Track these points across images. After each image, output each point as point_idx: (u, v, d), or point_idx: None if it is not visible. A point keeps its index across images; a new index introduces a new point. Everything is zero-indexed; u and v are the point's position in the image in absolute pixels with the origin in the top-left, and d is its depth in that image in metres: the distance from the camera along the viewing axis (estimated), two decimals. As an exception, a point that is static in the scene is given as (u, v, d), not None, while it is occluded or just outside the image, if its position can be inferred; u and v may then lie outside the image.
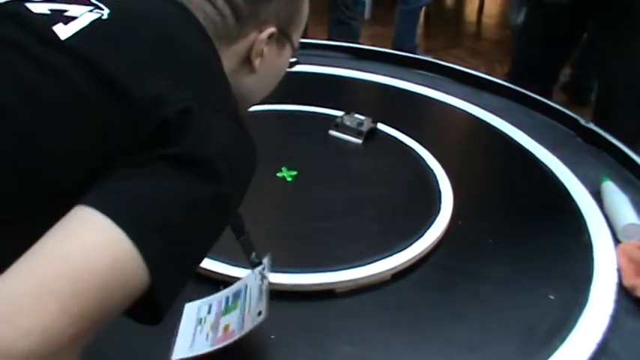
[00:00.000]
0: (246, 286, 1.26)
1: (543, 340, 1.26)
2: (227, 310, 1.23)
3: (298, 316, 1.30)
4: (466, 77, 2.24)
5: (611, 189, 1.69)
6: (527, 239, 1.54)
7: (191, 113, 0.81)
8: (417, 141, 1.82)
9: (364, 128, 1.84)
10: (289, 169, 1.67)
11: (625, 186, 1.71)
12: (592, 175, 1.77)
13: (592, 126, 1.97)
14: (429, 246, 1.44)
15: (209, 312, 1.25)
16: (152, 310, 0.77)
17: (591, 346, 1.25)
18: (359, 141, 1.82)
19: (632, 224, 1.57)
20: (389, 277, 1.38)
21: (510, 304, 1.35)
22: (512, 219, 1.61)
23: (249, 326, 1.16)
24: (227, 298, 1.26)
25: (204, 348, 1.17)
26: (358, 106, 1.96)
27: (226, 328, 1.20)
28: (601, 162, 1.87)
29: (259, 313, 1.16)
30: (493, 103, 2.14)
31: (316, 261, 1.38)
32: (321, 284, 1.34)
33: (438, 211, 1.54)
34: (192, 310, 1.26)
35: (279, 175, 1.65)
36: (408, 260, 1.40)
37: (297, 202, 1.59)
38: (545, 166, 1.80)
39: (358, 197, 1.61)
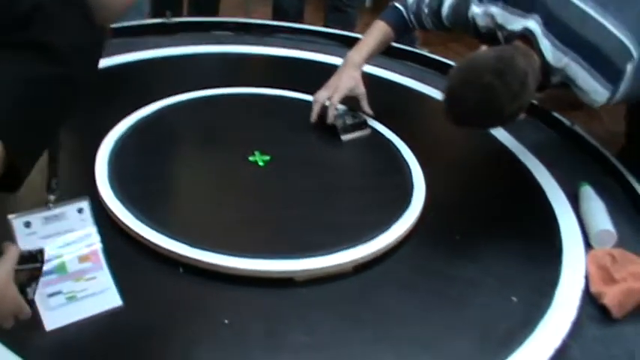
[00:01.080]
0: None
1: (501, 342, 1.25)
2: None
3: (255, 303, 1.29)
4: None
5: (588, 194, 1.67)
6: (497, 239, 1.52)
7: (42, 3, 0.86)
8: (397, 134, 1.80)
9: (363, 117, 1.82)
10: (262, 153, 1.64)
11: (604, 192, 1.69)
12: (572, 178, 1.75)
13: (577, 129, 1.94)
14: (394, 239, 1.42)
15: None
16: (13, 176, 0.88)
17: (549, 352, 1.24)
18: (368, 131, 1.81)
19: (606, 231, 1.55)
20: (350, 269, 1.36)
21: (472, 304, 1.34)
22: (485, 217, 1.59)
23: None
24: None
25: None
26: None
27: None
28: (583, 166, 1.84)
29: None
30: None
31: (278, 248, 1.36)
32: (280, 272, 1.32)
33: (409, 205, 1.51)
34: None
35: (251, 158, 1.63)
36: (372, 253, 1.38)
37: (265, 188, 1.57)
38: (525, 166, 1.78)
39: (330, 186, 1.59)
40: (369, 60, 1.89)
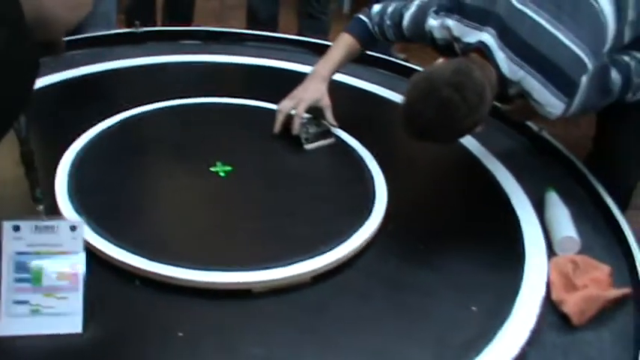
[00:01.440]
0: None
1: (457, 353, 1.24)
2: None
3: (211, 315, 1.28)
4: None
5: (553, 200, 1.66)
6: (459, 248, 1.52)
7: None
8: (361, 142, 1.79)
9: (326, 125, 1.81)
10: (224, 164, 1.63)
11: (570, 198, 1.68)
12: (538, 184, 1.74)
13: (544, 134, 1.94)
14: (353, 249, 1.41)
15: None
16: None
17: (506, 360, 1.23)
18: (333, 139, 1.80)
19: (569, 237, 1.54)
20: (309, 280, 1.35)
21: (429, 314, 1.33)
22: (447, 225, 1.58)
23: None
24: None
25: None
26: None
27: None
28: (550, 172, 1.84)
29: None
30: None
31: (235, 260, 1.35)
32: (236, 283, 1.31)
33: (369, 214, 1.50)
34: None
35: (212, 169, 1.62)
36: (330, 263, 1.37)
37: (225, 199, 1.56)
38: (490, 172, 1.77)
39: (291, 197, 1.58)
40: (335, 72, 1.89)
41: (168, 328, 1.23)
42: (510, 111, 1.95)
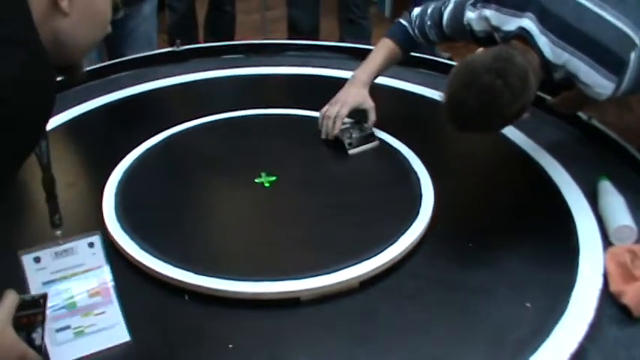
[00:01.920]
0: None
1: (512, 352, 1.21)
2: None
3: (260, 326, 1.27)
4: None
5: (606, 189, 1.62)
6: (510, 244, 1.48)
7: None
8: (405, 143, 1.77)
9: (369, 128, 1.79)
10: (268, 174, 1.63)
11: (625, 186, 1.63)
12: (590, 174, 1.69)
13: (594, 122, 1.89)
14: (401, 252, 1.39)
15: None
16: None
17: (564, 357, 1.19)
18: (377, 142, 1.78)
19: (625, 226, 1.49)
20: (357, 285, 1.33)
21: (482, 314, 1.30)
22: (497, 222, 1.55)
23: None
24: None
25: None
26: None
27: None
28: (601, 160, 1.79)
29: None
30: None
31: (282, 269, 1.34)
32: (285, 292, 1.30)
33: (416, 216, 1.48)
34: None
35: (257, 180, 1.62)
36: (377, 268, 1.35)
37: (271, 208, 1.56)
38: (539, 164, 1.73)
39: (336, 203, 1.57)
40: (376, 77, 1.88)
41: (218, 340, 1.23)
42: (556, 104, 1.91)
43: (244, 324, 1.27)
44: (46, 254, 1.17)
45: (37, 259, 1.17)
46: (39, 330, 1.07)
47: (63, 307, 1.18)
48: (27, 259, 1.16)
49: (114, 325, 1.21)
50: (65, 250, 1.17)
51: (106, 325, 1.21)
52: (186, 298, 1.31)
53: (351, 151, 1.75)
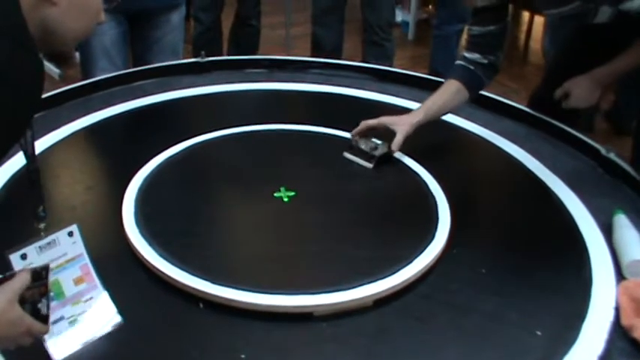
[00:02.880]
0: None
1: (522, 378, 1.21)
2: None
3: (272, 338, 1.28)
4: (488, 102, 2.19)
5: (622, 222, 1.62)
6: (523, 271, 1.49)
7: None
8: (425, 167, 1.78)
9: (377, 153, 1.80)
10: (287, 189, 1.64)
11: (640, 221, 1.64)
12: (607, 207, 1.70)
13: (612, 157, 1.90)
14: (415, 273, 1.40)
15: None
16: None
17: (573, 387, 1.20)
18: (370, 165, 1.79)
19: (639, 261, 1.50)
20: (370, 304, 1.35)
21: (493, 339, 1.30)
22: (511, 249, 1.56)
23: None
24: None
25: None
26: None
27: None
28: (619, 194, 1.79)
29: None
30: (514, 129, 2.09)
31: (298, 283, 1.35)
32: (298, 307, 1.31)
33: (432, 239, 1.49)
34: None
35: (276, 194, 1.63)
36: (392, 287, 1.36)
37: (288, 224, 1.57)
38: (556, 196, 1.74)
39: (353, 221, 1.58)
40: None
41: (231, 350, 1.25)
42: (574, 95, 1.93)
43: (257, 336, 1.28)
44: (31, 250, 1.18)
45: (24, 256, 1.17)
46: (43, 300, 1.10)
47: (53, 299, 1.18)
48: (14, 258, 1.16)
49: (103, 309, 1.24)
50: (48, 243, 1.18)
51: (96, 309, 1.23)
52: (201, 306, 1.33)
53: (345, 154, 1.82)
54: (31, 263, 1.16)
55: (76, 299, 1.20)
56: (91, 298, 1.22)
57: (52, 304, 1.17)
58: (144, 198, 1.60)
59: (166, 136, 1.88)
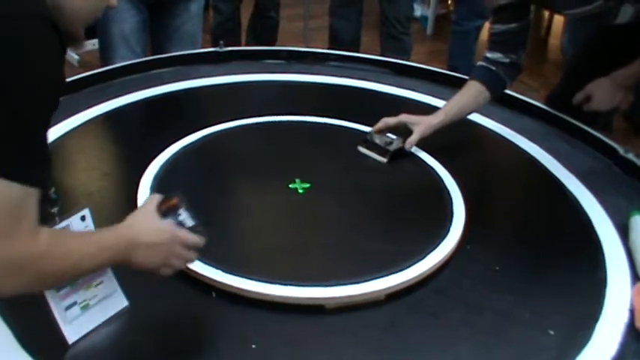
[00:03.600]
0: None
1: (533, 377, 1.21)
2: None
3: (284, 329, 1.28)
4: (507, 100, 2.18)
5: (638, 224, 1.61)
6: (537, 270, 1.48)
7: None
8: (441, 163, 1.78)
9: (392, 148, 1.80)
10: (303, 181, 1.64)
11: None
12: (623, 207, 1.69)
13: (631, 156, 1.88)
14: (429, 269, 1.40)
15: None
16: None
17: (585, 388, 1.19)
18: (384, 160, 1.79)
19: (655, 263, 1.49)
20: (382, 298, 1.34)
21: (505, 337, 1.29)
22: (526, 247, 1.55)
23: None
24: None
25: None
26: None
27: None
28: (636, 194, 1.78)
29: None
30: (532, 127, 2.08)
31: (309, 275, 1.35)
32: (310, 299, 1.31)
33: (446, 235, 1.49)
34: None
35: (291, 186, 1.63)
36: (404, 282, 1.36)
37: (302, 215, 1.57)
38: (572, 195, 1.73)
39: (367, 214, 1.58)
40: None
41: (242, 340, 1.25)
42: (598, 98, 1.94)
43: (268, 326, 1.28)
44: None
45: None
46: (182, 213, 1.18)
47: (66, 285, 1.18)
48: None
49: (112, 293, 1.24)
50: (63, 228, 1.17)
51: (105, 293, 1.23)
52: (214, 295, 1.33)
53: (359, 147, 1.82)
54: None
55: (87, 284, 1.20)
56: (101, 283, 1.22)
57: (66, 289, 1.17)
58: (159, 186, 1.60)
59: (183, 125, 1.88)
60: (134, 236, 1.15)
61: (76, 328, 1.20)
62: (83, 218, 1.20)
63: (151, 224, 1.17)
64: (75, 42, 1.15)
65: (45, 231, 1.05)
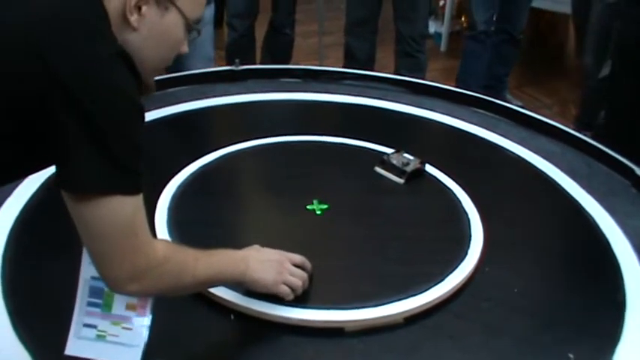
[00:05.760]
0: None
1: (553, 403, 1.20)
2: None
3: (302, 352, 1.29)
4: (524, 119, 2.18)
5: (657, 245, 1.60)
6: (555, 292, 1.48)
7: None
8: (459, 184, 1.77)
9: (409, 168, 1.80)
10: (320, 202, 1.64)
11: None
12: (642, 229, 1.68)
13: (649, 178, 1.87)
14: (447, 292, 1.39)
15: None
16: None
17: (606, 414, 1.18)
18: (401, 181, 1.79)
19: (675, 286, 1.48)
20: (401, 321, 1.34)
21: (524, 361, 1.29)
22: (544, 270, 1.54)
23: None
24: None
25: None
26: (411, 143, 1.95)
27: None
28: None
29: None
30: (549, 147, 2.07)
31: (329, 298, 1.35)
32: (330, 321, 1.31)
33: (464, 257, 1.49)
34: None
35: (309, 207, 1.64)
36: (423, 305, 1.36)
37: (320, 237, 1.57)
38: (590, 216, 1.72)
39: (385, 236, 1.58)
40: None
41: (260, 363, 1.25)
42: None
43: (287, 349, 1.28)
44: None
45: None
46: None
47: (98, 307, 1.20)
48: (86, 252, 1.18)
49: (133, 346, 1.21)
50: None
51: (126, 341, 1.21)
52: (232, 318, 1.33)
53: (377, 169, 1.82)
54: None
55: (117, 320, 1.20)
56: (130, 329, 1.21)
57: (96, 309, 1.18)
58: (177, 206, 1.61)
59: (199, 145, 1.89)
60: (245, 255, 1.29)
61: (79, 346, 1.20)
62: None
63: (259, 249, 1.33)
64: (144, 89, 1.16)
65: (160, 242, 1.17)
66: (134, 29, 1.08)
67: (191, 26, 1.15)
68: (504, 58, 3.86)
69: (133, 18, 1.07)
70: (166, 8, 1.10)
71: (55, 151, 1.02)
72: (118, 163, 1.02)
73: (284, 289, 1.30)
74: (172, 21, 1.12)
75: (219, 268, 1.24)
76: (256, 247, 1.34)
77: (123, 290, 1.12)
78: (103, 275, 1.10)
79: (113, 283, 1.10)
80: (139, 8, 1.07)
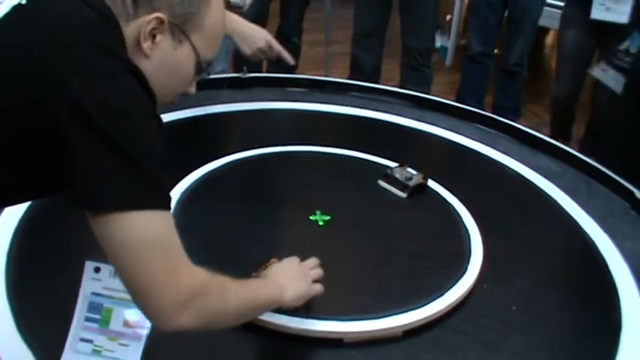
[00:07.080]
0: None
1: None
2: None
3: (302, 362, 1.30)
4: (525, 137, 2.20)
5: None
6: (553, 311, 1.50)
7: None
8: (460, 199, 1.79)
9: (411, 183, 1.82)
10: (324, 212, 1.66)
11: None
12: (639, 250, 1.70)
13: (647, 200, 1.89)
14: (446, 307, 1.41)
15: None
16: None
17: None
18: (403, 195, 1.81)
19: (670, 309, 1.50)
20: (400, 334, 1.36)
21: (521, 378, 1.31)
22: (542, 289, 1.56)
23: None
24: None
25: None
26: (414, 157, 1.96)
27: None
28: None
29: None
30: (550, 166, 2.09)
31: (329, 309, 1.37)
32: (329, 332, 1.33)
33: (464, 273, 1.51)
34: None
35: (311, 217, 1.65)
36: (422, 319, 1.38)
37: (322, 248, 1.58)
38: (589, 237, 1.74)
39: (386, 250, 1.60)
40: None
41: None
42: None
43: (287, 358, 1.30)
44: (106, 269, 1.20)
45: (97, 270, 1.20)
46: None
47: (96, 322, 1.20)
48: (89, 266, 1.19)
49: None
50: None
51: (122, 357, 1.21)
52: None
53: (380, 183, 1.83)
54: (99, 280, 1.19)
55: (114, 336, 1.21)
56: (126, 345, 1.21)
57: (94, 325, 1.19)
58: (181, 213, 1.62)
59: (204, 151, 1.91)
60: (271, 277, 1.29)
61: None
62: None
63: (274, 268, 1.34)
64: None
65: (199, 269, 1.08)
66: (146, 56, 1.08)
67: (202, 65, 1.15)
68: (502, 87, 3.87)
69: (147, 45, 1.08)
70: (180, 41, 1.10)
71: (74, 170, 0.97)
72: (140, 175, 0.98)
73: (317, 287, 1.34)
74: (184, 55, 1.12)
75: (258, 289, 1.23)
76: (269, 268, 1.34)
77: (174, 323, 1.02)
78: (147, 310, 1.02)
79: (161, 318, 1.02)
80: (154, 36, 1.08)
